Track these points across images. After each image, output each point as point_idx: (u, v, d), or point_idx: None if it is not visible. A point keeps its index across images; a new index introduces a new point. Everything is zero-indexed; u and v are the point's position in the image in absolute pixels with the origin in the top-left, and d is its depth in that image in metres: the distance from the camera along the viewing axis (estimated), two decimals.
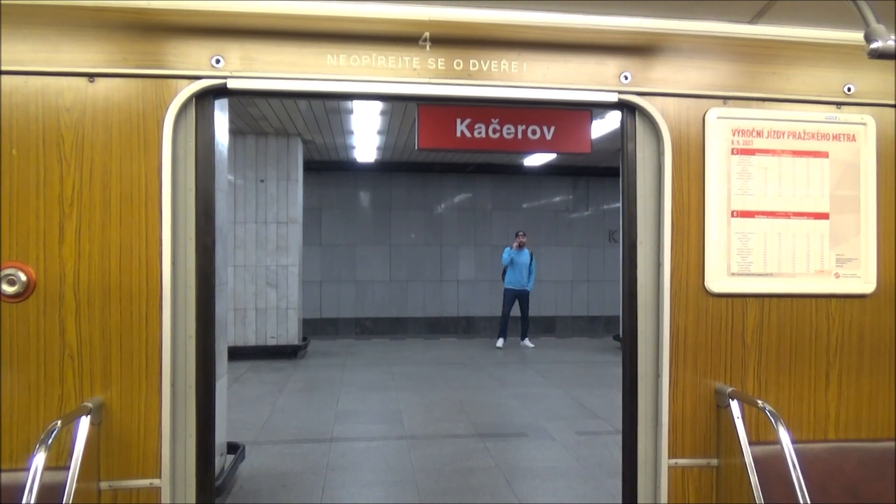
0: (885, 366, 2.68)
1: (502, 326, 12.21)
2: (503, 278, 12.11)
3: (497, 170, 13.82)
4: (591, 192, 14.44)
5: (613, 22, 2.52)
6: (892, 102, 2.67)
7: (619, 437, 2.85)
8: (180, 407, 2.44)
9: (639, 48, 2.56)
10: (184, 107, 2.38)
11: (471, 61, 2.50)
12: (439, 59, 2.48)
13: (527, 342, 12.26)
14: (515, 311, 12.16)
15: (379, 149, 11.87)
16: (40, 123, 2.29)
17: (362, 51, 2.45)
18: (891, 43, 1.77)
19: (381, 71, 2.46)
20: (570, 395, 8.16)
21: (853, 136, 2.67)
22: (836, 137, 2.66)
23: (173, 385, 2.38)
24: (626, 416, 2.68)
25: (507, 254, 11.97)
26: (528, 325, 12.34)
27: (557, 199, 14.60)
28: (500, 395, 8.30)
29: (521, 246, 11.88)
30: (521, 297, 12.09)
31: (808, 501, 2.17)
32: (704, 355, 2.60)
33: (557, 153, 9.60)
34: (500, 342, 12.15)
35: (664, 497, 2.58)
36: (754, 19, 2.55)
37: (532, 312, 12.61)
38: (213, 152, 2.52)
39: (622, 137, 2.69)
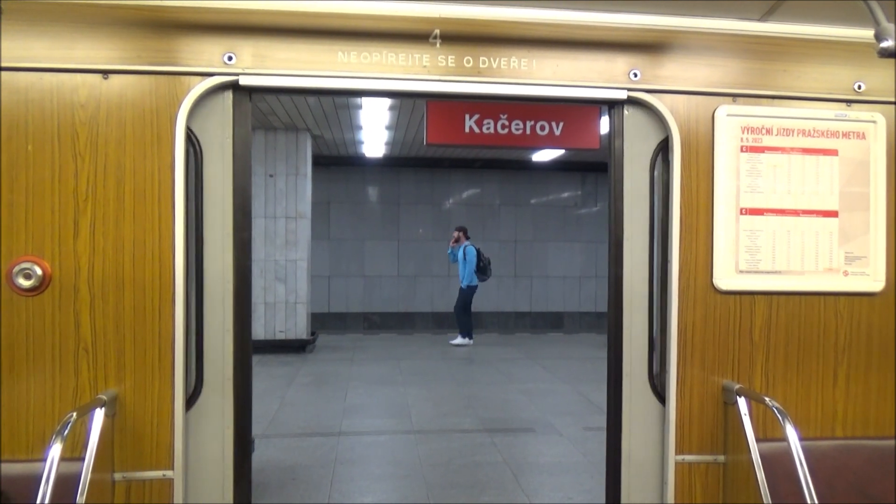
0: (893, 364, 2.68)
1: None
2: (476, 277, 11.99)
3: (505, 165, 13.80)
4: (599, 187, 14.40)
5: (623, 19, 2.53)
6: None
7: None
8: (217, 399, 2.49)
9: (648, 45, 2.56)
10: (198, 102, 2.40)
11: (480, 58, 2.51)
12: (449, 57, 2.49)
13: (456, 340, 12.03)
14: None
15: (387, 144, 11.88)
16: (55, 119, 2.32)
17: (373, 48, 2.46)
18: None
19: (392, 68, 2.48)
20: (577, 390, 8.18)
21: (863, 133, 2.67)
22: (845, 135, 2.66)
23: (186, 377, 2.41)
24: (611, 414, 2.68)
25: (450, 252, 12.01)
26: (459, 323, 12.09)
27: (565, 194, 14.58)
28: (508, 391, 8.32)
29: (456, 242, 11.83)
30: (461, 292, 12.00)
31: (815, 499, 2.18)
32: (712, 352, 2.61)
33: (566, 149, 9.59)
34: (462, 340, 12.06)
35: (671, 493, 2.59)
36: (764, 17, 2.55)
37: (540, 308, 12.61)
38: (250, 149, 2.55)
39: (610, 133, 2.68)
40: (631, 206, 2.64)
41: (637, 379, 2.65)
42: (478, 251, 11.89)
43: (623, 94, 2.56)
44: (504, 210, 14.36)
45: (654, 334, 2.67)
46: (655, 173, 2.65)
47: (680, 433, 2.60)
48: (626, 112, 2.61)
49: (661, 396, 2.65)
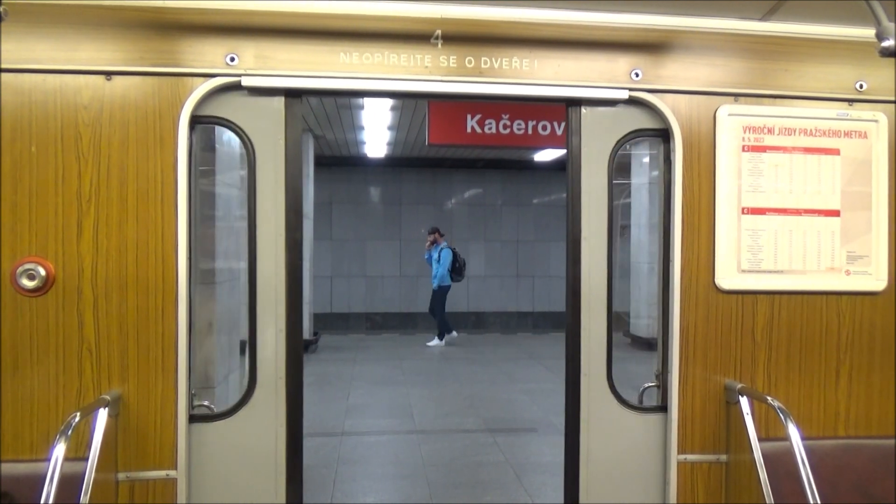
0: (895, 363, 2.68)
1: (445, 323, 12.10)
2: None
3: (507, 165, 13.79)
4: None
5: (624, 19, 2.53)
6: None
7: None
8: (270, 398, 2.51)
9: (650, 45, 2.56)
10: (200, 104, 2.41)
11: (482, 59, 2.51)
12: (451, 57, 2.50)
13: (433, 342, 11.96)
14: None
15: (389, 144, 11.88)
16: (59, 121, 2.33)
17: (375, 48, 2.47)
18: None
19: (394, 68, 2.48)
20: None
21: (865, 133, 2.66)
22: (847, 134, 2.66)
23: (189, 377, 2.42)
24: (569, 414, 2.68)
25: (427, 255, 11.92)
26: (438, 324, 12.02)
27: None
28: (510, 391, 8.32)
29: (432, 244, 11.76)
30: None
31: (818, 498, 2.18)
32: (714, 352, 2.61)
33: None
34: (450, 337, 12.01)
35: (673, 492, 2.59)
36: (765, 16, 2.55)
37: (542, 307, 12.58)
38: (301, 150, 2.57)
39: (567, 131, 2.68)
40: (589, 205, 2.64)
41: (595, 379, 2.64)
42: (454, 252, 11.84)
43: (625, 94, 2.57)
44: (506, 210, 14.36)
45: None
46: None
47: (682, 433, 2.60)
48: (583, 110, 2.61)
49: (619, 396, 2.65)
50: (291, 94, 2.50)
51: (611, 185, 2.64)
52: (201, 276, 3.37)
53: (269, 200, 2.51)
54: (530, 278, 14.41)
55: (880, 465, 2.60)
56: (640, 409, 2.69)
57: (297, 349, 2.56)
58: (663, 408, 2.67)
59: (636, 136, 2.66)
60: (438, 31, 2.48)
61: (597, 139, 2.63)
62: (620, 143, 2.65)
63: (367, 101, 8.62)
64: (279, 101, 2.49)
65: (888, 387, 2.68)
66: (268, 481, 2.50)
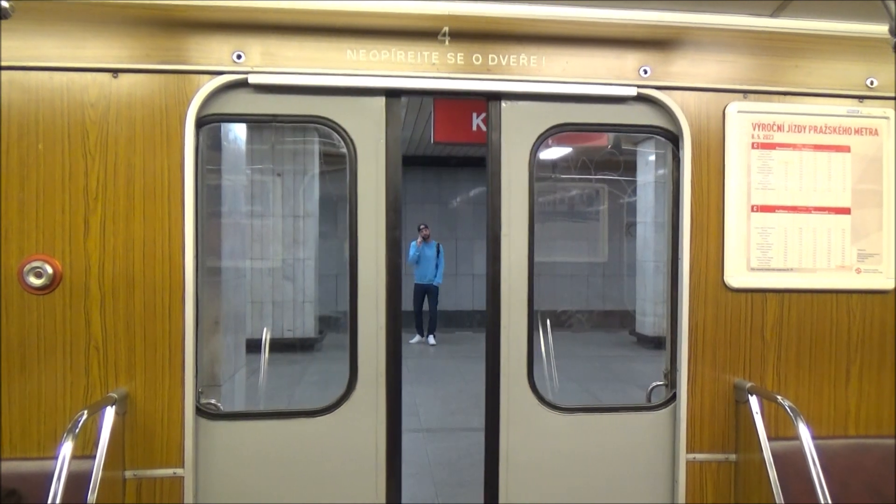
0: None
1: (417, 323, 11.99)
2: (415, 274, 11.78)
3: None
4: (605, 185, 14.34)
5: (633, 16, 2.51)
6: None
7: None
8: (371, 394, 2.54)
9: (658, 42, 2.55)
10: (207, 101, 2.40)
11: (490, 56, 2.50)
12: (458, 54, 2.49)
13: (431, 339, 11.92)
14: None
15: None
16: (65, 118, 2.33)
17: (382, 46, 2.46)
18: None
19: (401, 65, 2.47)
20: (586, 389, 8.16)
21: (876, 130, 2.64)
22: (858, 131, 2.63)
23: (196, 374, 2.42)
24: (489, 414, 2.66)
25: (413, 250, 11.65)
26: (435, 323, 11.99)
27: (573, 192, 14.51)
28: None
29: (425, 239, 11.63)
30: (430, 291, 11.80)
31: (829, 498, 2.16)
32: (723, 350, 2.59)
33: (573, 146, 9.57)
34: (415, 339, 11.92)
35: (682, 491, 2.58)
36: (775, 12, 2.53)
37: (547, 306, 12.53)
38: (400, 150, 2.58)
39: (488, 127, 2.66)
40: (509, 201, 2.61)
41: (516, 379, 2.62)
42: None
43: (633, 92, 2.55)
44: None
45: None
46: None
47: (691, 431, 2.59)
48: (503, 104, 2.59)
49: (540, 396, 2.63)
50: (392, 95, 2.52)
51: (532, 182, 2.61)
52: (208, 274, 3.37)
53: (369, 199, 2.55)
54: (535, 276, 14.36)
55: (891, 464, 2.58)
56: (561, 409, 2.65)
57: (397, 346, 2.59)
58: (587, 408, 2.67)
59: (557, 130, 2.62)
60: (446, 28, 2.47)
61: (518, 134, 2.61)
62: (541, 139, 2.62)
63: None
64: (380, 102, 2.52)
65: None
66: (368, 479, 2.52)
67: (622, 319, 13.86)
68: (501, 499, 2.62)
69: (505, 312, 2.62)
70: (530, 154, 2.61)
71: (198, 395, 2.46)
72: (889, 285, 2.65)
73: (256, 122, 2.57)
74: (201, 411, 2.47)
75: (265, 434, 2.51)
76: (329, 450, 2.52)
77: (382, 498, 2.54)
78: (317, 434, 2.52)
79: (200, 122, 2.43)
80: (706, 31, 2.56)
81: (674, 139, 2.62)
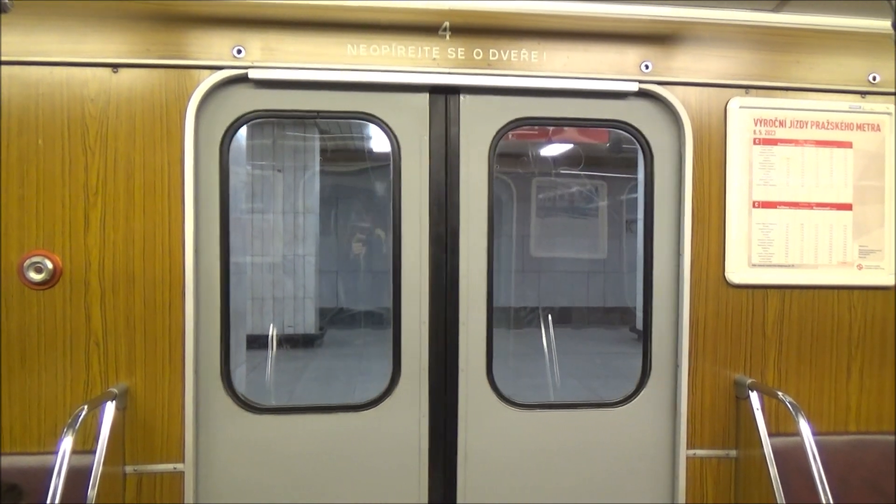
0: None
1: None
2: None
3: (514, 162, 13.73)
4: (605, 182, 14.33)
5: (634, 10, 2.50)
6: None
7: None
8: (413, 388, 2.57)
9: (660, 37, 2.54)
10: (206, 96, 2.40)
11: (490, 50, 2.49)
12: (459, 49, 2.48)
13: None
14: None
15: None
16: (65, 113, 2.32)
17: (382, 40, 2.45)
18: None
19: (401, 60, 2.46)
20: (586, 386, 8.16)
21: (878, 125, 2.63)
22: (860, 127, 2.63)
23: (196, 371, 2.42)
24: (445, 412, 2.63)
25: None
26: None
27: (573, 189, 14.51)
28: (517, 386, 8.30)
29: None
30: None
31: (829, 494, 2.16)
32: (724, 346, 2.59)
33: (574, 143, 9.56)
34: None
35: (682, 487, 2.58)
36: (778, 7, 2.52)
37: (547, 302, 12.49)
38: (445, 146, 2.58)
39: (445, 122, 2.62)
40: (468, 196, 2.59)
41: (475, 375, 2.61)
42: None
43: (634, 87, 2.54)
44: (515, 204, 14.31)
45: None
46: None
47: (691, 428, 2.58)
48: (462, 98, 2.57)
49: (500, 393, 2.62)
50: (436, 92, 2.53)
51: (491, 177, 2.60)
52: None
53: (413, 194, 2.56)
54: (536, 273, 14.38)
55: (892, 460, 2.58)
56: (521, 405, 2.65)
57: (439, 340, 2.60)
58: (549, 405, 2.70)
59: (516, 125, 2.61)
60: (446, 23, 2.46)
61: (477, 128, 2.59)
62: (501, 133, 2.60)
63: None
64: (424, 99, 2.54)
65: None
66: (410, 473, 2.55)
67: (623, 315, 13.88)
68: (459, 498, 2.61)
69: (464, 307, 2.61)
70: (490, 148, 2.60)
71: (230, 387, 2.48)
72: (890, 281, 2.65)
73: (292, 119, 2.58)
74: (244, 403, 2.49)
75: (303, 429, 2.53)
76: (371, 445, 2.54)
77: (425, 495, 2.55)
78: (360, 429, 2.54)
79: (234, 121, 2.46)
80: (708, 25, 2.55)
81: (639, 136, 2.61)
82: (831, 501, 2.17)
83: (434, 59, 2.48)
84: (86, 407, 2.10)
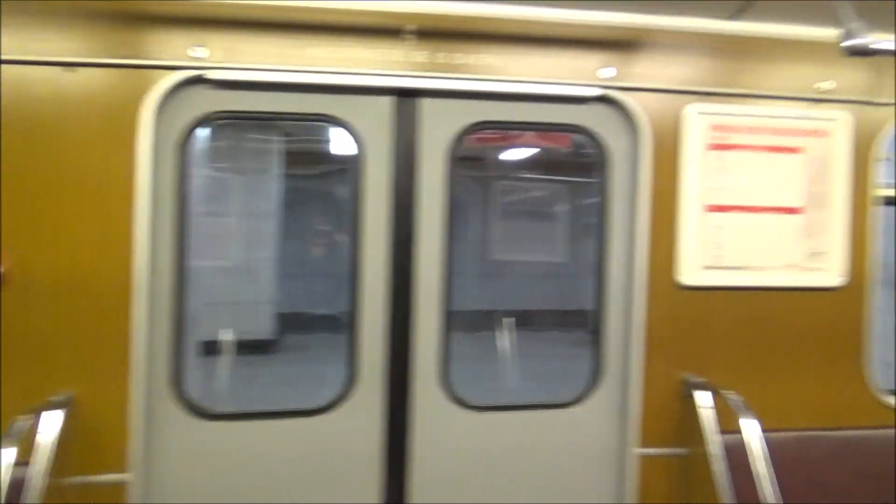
0: (851, 357, 2.75)
1: None
2: None
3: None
4: (569, 187, 14.48)
5: (595, 17, 2.54)
6: (866, 99, 2.72)
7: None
8: (368, 392, 2.55)
9: (620, 43, 2.57)
10: (165, 97, 2.33)
11: (455, 54, 2.49)
12: (422, 52, 2.47)
13: None
14: None
15: None
16: (14, 112, 2.23)
17: (344, 43, 2.42)
18: (865, 41, 1.81)
19: (364, 63, 2.44)
20: (546, 388, 8.22)
21: (827, 132, 2.72)
22: (810, 133, 2.71)
23: (147, 377, 2.34)
24: (393, 414, 2.63)
25: None
26: None
27: (534, 192, 14.62)
28: (475, 390, 8.30)
29: None
30: None
31: (774, 489, 2.22)
32: (676, 347, 2.63)
33: (536, 147, 9.64)
34: None
35: (632, 486, 2.61)
36: (735, 16, 2.58)
37: (505, 306, 12.54)
38: (408, 150, 2.55)
39: (401, 124, 2.62)
40: (427, 200, 2.59)
41: (427, 378, 2.62)
42: None
43: (594, 92, 2.57)
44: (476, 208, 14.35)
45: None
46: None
47: (643, 427, 2.62)
48: (423, 101, 2.58)
49: (454, 395, 2.64)
50: (407, 96, 2.51)
51: (450, 181, 2.59)
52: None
53: (374, 198, 2.54)
54: (496, 277, 14.42)
55: (836, 456, 2.66)
56: (475, 407, 2.67)
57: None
58: (502, 407, 2.69)
59: (475, 129, 2.62)
60: (410, 26, 2.45)
61: (436, 132, 2.59)
62: (459, 137, 2.60)
63: None
64: (393, 102, 2.52)
65: (844, 379, 2.74)
66: (364, 476, 2.52)
67: (578, 319, 14.03)
68: (406, 499, 2.60)
69: (421, 312, 2.60)
70: (448, 151, 2.60)
71: (181, 394, 2.41)
72: (836, 283, 2.73)
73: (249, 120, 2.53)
74: (195, 410, 2.43)
75: (256, 435, 2.49)
76: (326, 449, 2.51)
77: (377, 499, 2.54)
78: (315, 434, 2.51)
79: (193, 123, 2.39)
80: (667, 33, 2.60)
81: (597, 140, 2.64)
82: (774, 496, 2.22)
83: (397, 61, 2.46)
84: (27, 416, 2.01)
